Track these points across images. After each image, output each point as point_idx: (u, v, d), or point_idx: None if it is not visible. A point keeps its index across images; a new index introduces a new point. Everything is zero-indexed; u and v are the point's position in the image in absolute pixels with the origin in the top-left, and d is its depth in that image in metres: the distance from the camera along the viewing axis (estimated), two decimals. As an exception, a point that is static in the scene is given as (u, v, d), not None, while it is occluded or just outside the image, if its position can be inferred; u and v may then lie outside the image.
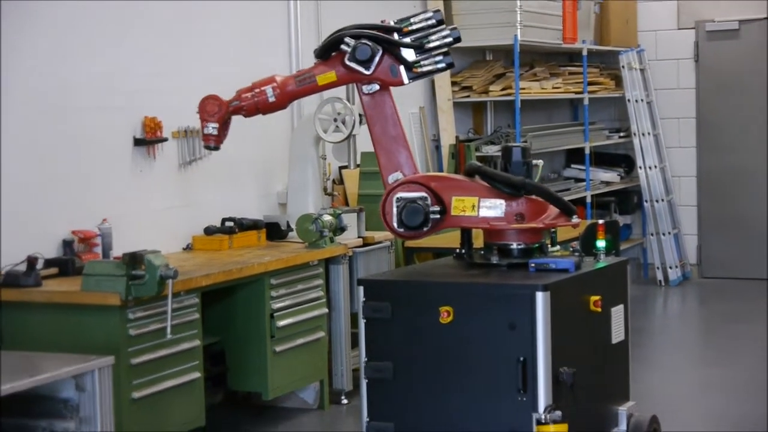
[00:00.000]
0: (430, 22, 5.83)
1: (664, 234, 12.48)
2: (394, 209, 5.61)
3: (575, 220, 5.66)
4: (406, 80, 5.90)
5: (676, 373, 8.91)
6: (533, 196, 5.73)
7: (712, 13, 12.51)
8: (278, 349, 7.19)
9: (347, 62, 5.67)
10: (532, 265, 5.49)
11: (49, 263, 6.60)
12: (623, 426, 5.77)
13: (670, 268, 12.44)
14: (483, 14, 10.37)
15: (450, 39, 5.74)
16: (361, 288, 5.51)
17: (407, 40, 5.76)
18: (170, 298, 6.16)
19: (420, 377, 5.32)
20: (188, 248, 7.72)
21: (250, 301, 7.19)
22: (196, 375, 6.55)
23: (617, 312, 5.82)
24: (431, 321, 5.20)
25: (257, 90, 5.70)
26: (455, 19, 10.14)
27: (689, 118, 12.75)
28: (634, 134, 12.45)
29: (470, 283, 5.44)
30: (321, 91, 6.06)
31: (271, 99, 5.69)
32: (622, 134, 12.60)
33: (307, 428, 7.17)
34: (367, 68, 5.67)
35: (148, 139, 7.49)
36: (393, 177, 5.72)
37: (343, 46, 5.68)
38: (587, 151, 11.93)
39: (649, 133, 12.51)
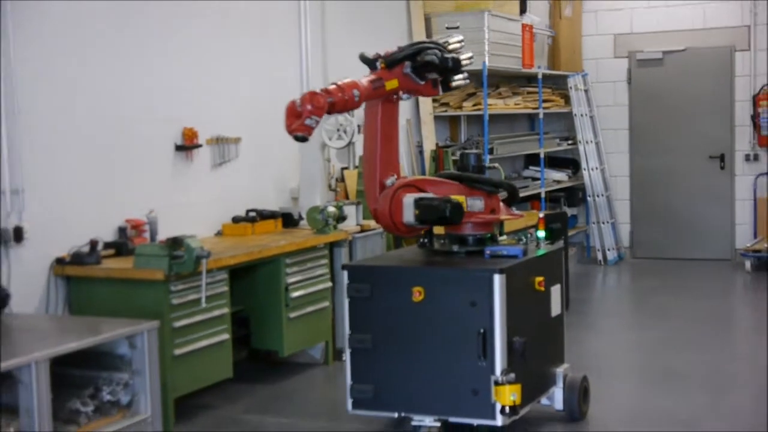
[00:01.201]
0: (462, 45, 5.84)
1: (603, 222, 12.49)
2: (409, 207, 5.53)
3: (525, 211, 5.68)
4: (440, 92, 6.01)
5: (612, 335, 8.92)
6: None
7: (642, 45, 12.52)
8: (292, 315, 7.18)
9: (408, 73, 5.66)
10: (488, 252, 5.55)
11: (107, 245, 6.60)
12: (560, 384, 5.83)
13: (608, 250, 12.46)
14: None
15: (472, 60, 5.81)
16: (345, 272, 5.56)
17: (449, 58, 5.70)
18: (204, 274, 6.20)
19: (395, 347, 5.39)
20: (219, 234, 7.70)
21: (269, 276, 7.17)
22: (225, 336, 6.57)
23: (556, 290, 5.87)
24: (405, 300, 5.28)
25: (346, 90, 5.46)
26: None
27: (623, 129, 12.75)
28: (579, 142, 12.46)
29: (438, 268, 5.50)
30: (387, 95, 5.80)
31: (357, 98, 5.51)
32: (569, 142, 12.60)
33: (314, 379, 7.17)
34: (422, 80, 5.68)
35: (187, 145, 7.48)
36: (390, 180, 5.67)
37: (407, 62, 5.65)
38: (542, 156, 11.92)
39: (591, 141, 12.51)
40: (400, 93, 5.81)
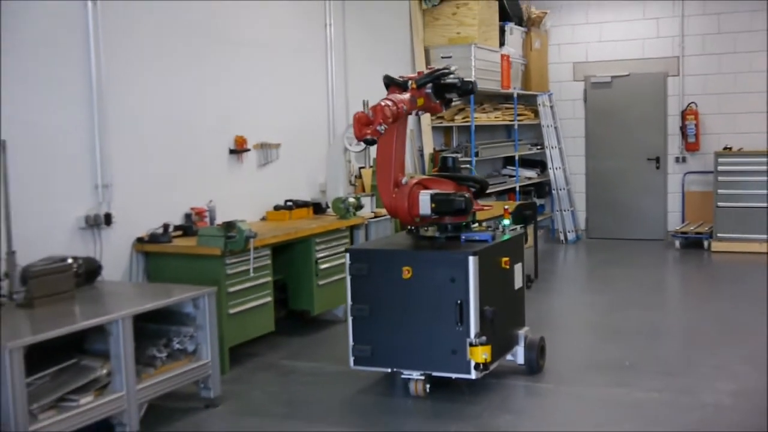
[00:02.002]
0: (458, 72, 5.77)
1: (564, 210, 12.50)
2: (426, 202, 5.42)
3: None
4: (444, 110, 6.00)
5: (571, 297, 8.94)
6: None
7: (594, 71, 12.50)
8: (320, 282, 7.21)
9: (430, 93, 5.58)
10: (464, 237, 5.49)
11: (176, 228, 6.63)
12: (522, 344, 5.77)
13: (569, 232, 12.47)
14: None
15: (469, 87, 5.67)
16: (348, 254, 5.50)
17: (469, 81, 5.67)
18: (252, 250, 6.25)
19: (388, 315, 5.32)
20: (263, 219, 7.71)
21: (303, 252, 7.18)
22: (268, 299, 6.61)
23: (518, 268, 5.81)
24: (396, 277, 5.23)
25: (399, 105, 5.37)
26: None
27: (580, 137, 12.74)
28: (546, 147, 12.42)
29: (423, 251, 5.37)
30: (417, 110, 5.73)
31: (404, 111, 5.43)
32: (538, 147, 12.57)
33: (337, 333, 7.15)
34: (438, 100, 5.62)
35: (238, 149, 7.50)
36: (405, 179, 5.57)
37: (429, 85, 5.57)
38: (516, 158, 11.89)
39: (555, 147, 12.49)
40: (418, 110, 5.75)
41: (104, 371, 4.83)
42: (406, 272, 5.18)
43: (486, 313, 5.11)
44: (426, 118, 10.53)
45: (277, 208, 7.78)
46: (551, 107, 12.62)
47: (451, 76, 5.60)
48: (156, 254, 6.40)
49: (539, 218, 11.26)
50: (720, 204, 11.04)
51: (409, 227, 5.80)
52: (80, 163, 6.05)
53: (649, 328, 7.31)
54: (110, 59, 6.21)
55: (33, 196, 5.67)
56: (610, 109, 12.52)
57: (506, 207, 6.43)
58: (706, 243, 11.24)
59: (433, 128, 10.89)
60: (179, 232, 6.61)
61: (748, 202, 10.86)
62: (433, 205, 5.39)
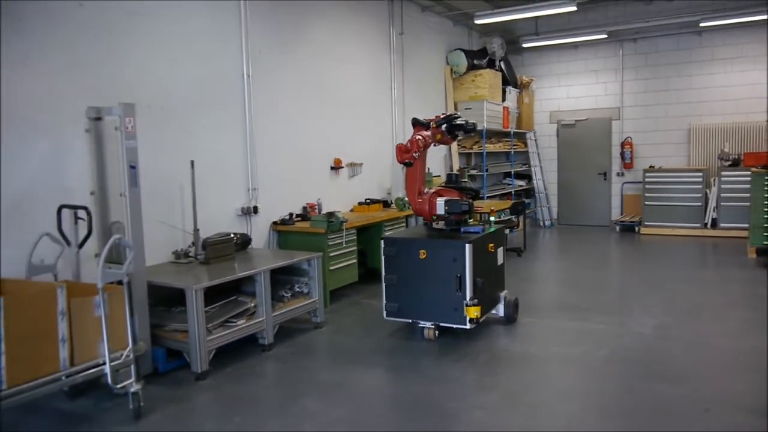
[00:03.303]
0: (469, 118, 5.54)
1: (543, 206, 12.21)
2: (441, 205, 5.16)
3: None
4: (453, 142, 5.63)
5: (546, 262, 8.73)
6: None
7: (564, 117, 12.19)
8: (386, 250, 7.20)
9: (444, 130, 5.27)
10: (462, 230, 5.23)
11: (297, 215, 6.66)
12: (502, 302, 5.48)
13: (546, 220, 12.19)
14: (470, 115, 10.22)
15: (472, 127, 5.37)
16: (383, 241, 5.14)
17: (472, 123, 5.33)
18: (344, 230, 6.26)
19: (410, 283, 5.06)
20: (351, 210, 7.66)
21: (376, 231, 7.12)
22: (354, 260, 6.57)
23: (501, 251, 5.50)
24: (415, 257, 5.00)
25: (427, 139, 5.17)
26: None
27: (554, 159, 12.44)
28: (532, 166, 12.16)
29: (434, 239, 5.02)
30: (435, 143, 5.33)
31: (429, 142, 5.20)
32: (527, 165, 12.37)
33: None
34: (450, 135, 5.32)
35: (336, 166, 7.48)
36: (426, 190, 5.33)
37: (445, 125, 5.26)
38: (512, 172, 11.73)
39: (537, 166, 12.20)
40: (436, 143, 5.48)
41: (252, 304, 4.92)
42: (422, 254, 4.97)
43: (477, 283, 4.89)
44: (454, 147, 10.43)
45: (360, 203, 7.76)
46: (535, 140, 12.34)
47: (460, 119, 5.34)
48: (284, 232, 6.44)
49: (527, 211, 11.07)
50: (646, 203, 10.74)
51: (425, 222, 5.54)
52: (239, 174, 6.12)
53: (598, 283, 7.12)
54: (257, 109, 6.29)
55: (210, 195, 5.77)
56: (574, 141, 12.22)
57: (492, 208, 6.08)
58: (636, 228, 10.93)
59: (460, 154, 10.73)
60: (299, 218, 6.65)
61: (665, 201, 10.58)
62: (446, 208, 5.16)
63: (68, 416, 3.86)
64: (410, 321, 5.17)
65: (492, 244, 5.26)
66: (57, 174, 4.44)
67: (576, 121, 12.19)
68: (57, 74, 4.46)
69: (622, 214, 11.77)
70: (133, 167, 4.07)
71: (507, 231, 9.25)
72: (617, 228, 11.23)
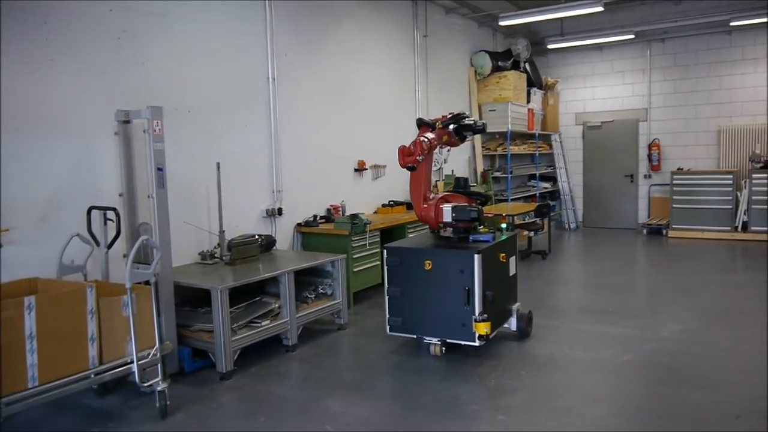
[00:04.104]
0: (488, 121, 5.33)
1: (568, 209, 12.09)
2: (448, 212, 4.78)
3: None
4: (461, 143, 5.18)
5: (572, 266, 8.60)
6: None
7: (590, 118, 12.05)
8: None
9: (451, 131, 4.87)
10: (471, 238, 4.79)
11: (321, 217, 6.67)
12: (515, 315, 5.09)
13: (571, 223, 12.06)
14: (495, 117, 10.20)
15: (481, 127, 4.94)
16: (385, 250, 4.75)
17: (481, 123, 4.91)
18: (368, 232, 6.24)
19: (414, 296, 4.67)
20: (375, 212, 7.67)
21: (399, 233, 7.06)
22: (377, 262, 6.53)
23: (513, 261, 5.03)
24: (420, 268, 4.60)
25: (432, 141, 4.72)
26: (484, 118, 9.93)
27: (579, 162, 12.30)
28: (557, 168, 12.03)
29: (441, 249, 4.60)
30: (442, 144, 4.94)
31: (435, 144, 4.75)
32: (552, 168, 12.27)
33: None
34: (457, 136, 4.90)
35: (360, 168, 7.49)
36: (431, 195, 4.93)
37: (452, 125, 4.85)
38: (537, 174, 11.63)
39: (563, 167, 12.08)
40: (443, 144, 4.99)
41: (276, 305, 4.93)
42: (428, 264, 4.58)
43: (487, 297, 4.47)
44: (478, 149, 10.37)
45: (384, 205, 7.76)
46: (560, 142, 12.20)
47: (468, 118, 4.91)
48: (308, 233, 6.44)
49: (552, 214, 10.98)
50: (674, 205, 10.55)
51: (431, 229, 5.09)
52: (264, 176, 6.15)
53: (624, 286, 7.00)
54: (282, 111, 6.32)
55: (236, 197, 5.81)
56: (600, 143, 12.06)
57: (503, 214, 5.65)
58: (664, 231, 10.74)
59: (484, 156, 10.65)
60: (323, 220, 6.66)
61: (693, 204, 10.38)
62: (454, 215, 4.76)
63: (96, 413, 3.92)
64: (415, 336, 4.80)
65: (503, 254, 4.84)
66: (86, 176, 4.51)
67: (602, 122, 12.03)
68: (84, 77, 4.53)
69: (649, 217, 11.58)
70: (160, 169, 4.13)
71: (532, 234, 9.20)
72: (644, 231, 11.06)
